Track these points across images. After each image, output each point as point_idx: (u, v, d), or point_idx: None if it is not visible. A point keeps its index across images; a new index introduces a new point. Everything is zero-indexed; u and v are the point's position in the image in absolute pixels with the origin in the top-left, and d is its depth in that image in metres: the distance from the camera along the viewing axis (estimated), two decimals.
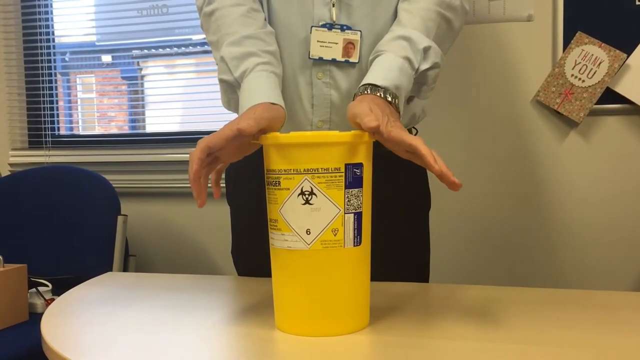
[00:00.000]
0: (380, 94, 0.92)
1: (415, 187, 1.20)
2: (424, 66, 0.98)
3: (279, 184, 0.80)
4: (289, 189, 0.80)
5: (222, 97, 1.08)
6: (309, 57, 1.05)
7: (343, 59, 1.05)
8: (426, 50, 0.98)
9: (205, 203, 0.85)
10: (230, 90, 1.04)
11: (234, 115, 1.09)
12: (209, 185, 0.89)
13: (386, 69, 0.95)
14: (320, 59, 1.05)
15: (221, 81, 1.03)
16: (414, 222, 1.21)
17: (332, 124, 1.08)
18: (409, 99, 1.06)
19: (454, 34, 1.08)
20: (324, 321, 0.81)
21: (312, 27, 1.04)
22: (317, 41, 1.04)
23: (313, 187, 0.79)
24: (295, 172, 0.79)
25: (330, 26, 1.05)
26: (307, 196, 0.79)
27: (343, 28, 1.05)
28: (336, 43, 1.05)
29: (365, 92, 0.92)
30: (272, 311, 0.86)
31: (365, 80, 0.94)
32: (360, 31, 1.05)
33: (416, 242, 1.21)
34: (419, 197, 1.22)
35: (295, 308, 0.82)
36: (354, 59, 1.05)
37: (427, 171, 1.19)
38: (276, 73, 1.01)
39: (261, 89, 0.96)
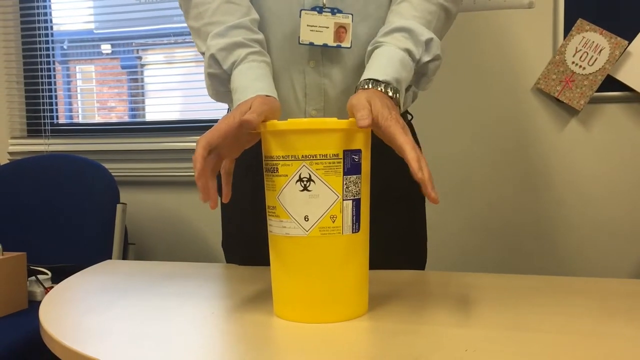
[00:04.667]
0: (382, 89, 0.90)
1: (411, 177, 1.19)
2: (426, 58, 0.97)
3: (277, 170, 0.80)
4: (287, 175, 0.79)
5: (209, 89, 1.03)
6: (299, 43, 1.01)
7: (335, 44, 1.01)
8: (428, 42, 0.97)
9: (216, 205, 0.84)
10: (220, 84, 1.00)
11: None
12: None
13: (386, 63, 0.93)
14: (311, 44, 1.01)
15: (209, 75, 1.00)
16: (412, 209, 1.20)
17: (327, 113, 1.06)
18: (406, 89, 1.06)
19: (452, 21, 1.06)
20: (323, 308, 0.81)
21: (301, 10, 1.01)
22: (307, 25, 1.00)
23: (311, 173, 0.78)
24: (293, 159, 0.79)
25: (320, 9, 1.01)
26: (305, 183, 0.79)
27: (334, 11, 1.01)
28: (327, 27, 1.01)
29: (366, 86, 0.91)
30: (270, 298, 0.86)
31: (366, 75, 0.93)
32: (352, 14, 1.01)
33: (414, 229, 1.21)
34: (417, 186, 1.21)
35: (293, 295, 0.82)
36: (345, 43, 1.02)
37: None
38: (267, 62, 0.99)
39: (255, 81, 0.94)
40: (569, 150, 1.85)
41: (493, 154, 1.91)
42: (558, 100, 1.82)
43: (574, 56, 1.79)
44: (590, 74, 1.78)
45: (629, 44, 1.75)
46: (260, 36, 1.01)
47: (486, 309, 0.85)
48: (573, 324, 0.79)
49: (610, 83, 1.78)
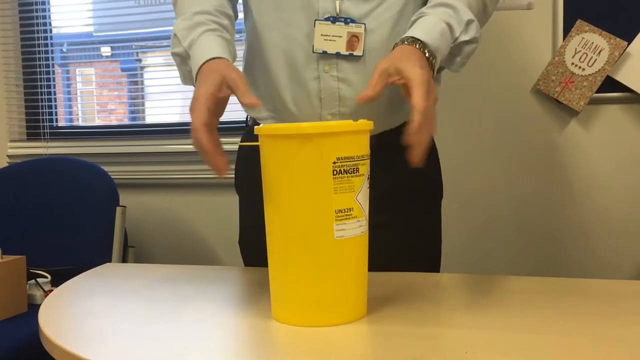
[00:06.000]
0: (420, 48, 0.92)
1: (429, 176, 1.20)
2: (464, 37, 0.99)
3: (357, 170, 0.79)
4: (363, 174, 0.80)
5: (179, 73, 1.09)
6: (313, 51, 1.05)
7: (347, 53, 1.05)
8: (469, 22, 0.99)
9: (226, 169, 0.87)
10: (182, 63, 1.05)
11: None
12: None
13: (428, 29, 0.96)
14: (324, 52, 1.05)
15: (174, 55, 1.06)
16: (428, 213, 1.20)
17: (341, 117, 1.08)
18: (438, 69, 1.06)
19: (486, 20, 1.10)
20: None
21: (315, 20, 1.05)
22: (321, 35, 1.05)
23: (370, 170, 0.81)
24: (366, 157, 0.81)
25: (334, 19, 1.05)
26: (369, 180, 0.82)
27: (347, 21, 1.05)
28: (340, 36, 1.05)
29: (406, 42, 0.93)
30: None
31: (408, 34, 0.95)
32: (365, 24, 1.05)
33: (430, 233, 1.20)
34: (433, 187, 1.21)
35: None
36: (357, 52, 1.05)
37: (439, 160, 1.22)
38: (224, 37, 1.03)
39: (211, 48, 0.99)
40: (569, 152, 1.85)
41: (492, 155, 1.90)
42: (558, 101, 1.82)
43: (573, 57, 1.79)
44: (589, 75, 1.78)
45: (628, 44, 1.75)
46: (225, 21, 1.07)
47: (486, 310, 0.85)
48: (574, 326, 0.79)
49: (610, 84, 1.78)
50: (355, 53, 1.05)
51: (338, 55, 1.05)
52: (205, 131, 0.86)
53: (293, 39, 1.07)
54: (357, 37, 1.05)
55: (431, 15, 0.98)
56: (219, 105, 0.91)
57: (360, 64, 1.06)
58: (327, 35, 1.05)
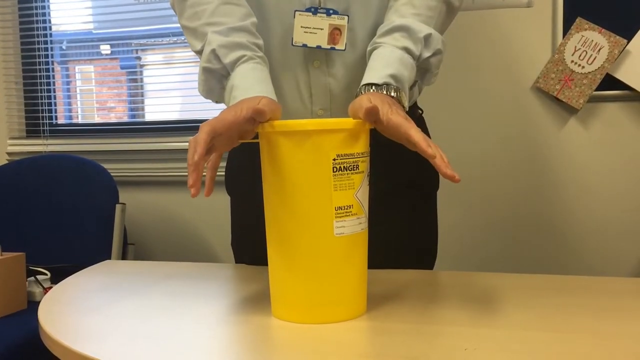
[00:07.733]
0: (383, 91, 0.90)
1: (426, 172, 1.19)
2: (426, 54, 0.97)
3: (358, 167, 0.79)
4: (363, 171, 0.80)
5: (201, 85, 1.00)
6: (292, 44, 1.00)
7: (328, 46, 1.00)
8: (427, 38, 0.96)
9: (199, 193, 0.78)
10: (215, 80, 0.98)
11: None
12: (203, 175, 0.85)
13: (384, 64, 0.93)
14: (304, 45, 1.00)
15: (205, 70, 0.97)
16: (426, 208, 1.19)
17: (333, 112, 1.06)
18: (412, 84, 1.05)
19: (454, 14, 1.05)
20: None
21: (295, 11, 0.99)
22: (301, 27, 0.99)
23: (369, 167, 0.81)
24: (366, 154, 0.81)
25: (315, 10, 1.00)
26: (369, 177, 0.82)
27: (329, 12, 1.00)
28: (321, 29, 0.99)
29: (367, 90, 0.91)
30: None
31: (365, 80, 0.93)
32: (348, 16, 1.00)
33: (428, 228, 1.20)
34: (430, 182, 1.20)
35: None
36: (340, 46, 1.00)
37: None
38: (267, 69, 0.97)
39: (259, 83, 0.93)
40: (568, 149, 1.85)
41: (492, 152, 1.90)
42: (557, 99, 1.82)
43: (573, 55, 1.79)
44: (589, 72, 1.78)
45: (628, 42, 1.75)
46: (261, 41, 1.00)
47: (486, 307, 0.85)
48: (573, 323, 0.79)
49: (610, 82, 1.78)
50: (337, 47, 1.00)
51: (319, 49, 1.00)
52: (208, 140, 0.78)
53: (282, 29, 1.02)
54: (339, 29, 1.00)
55: (385, 45, 0.95)
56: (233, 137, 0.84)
57: (349, 57, 1.03)
58: (307, 27, 0.99)
